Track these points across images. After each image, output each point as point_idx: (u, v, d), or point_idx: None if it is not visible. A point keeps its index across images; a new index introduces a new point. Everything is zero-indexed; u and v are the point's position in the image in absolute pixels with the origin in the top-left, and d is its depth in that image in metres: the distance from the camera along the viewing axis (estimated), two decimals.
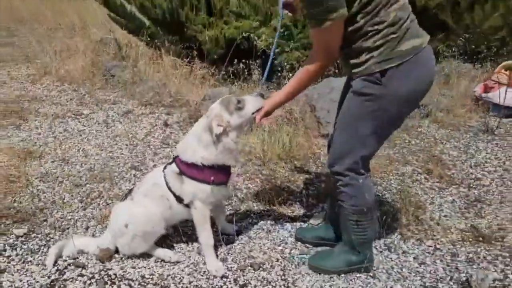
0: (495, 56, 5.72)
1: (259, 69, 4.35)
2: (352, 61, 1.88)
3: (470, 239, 2.49)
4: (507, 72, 4.44)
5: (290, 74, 4.19)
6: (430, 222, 2.65)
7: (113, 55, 5.46)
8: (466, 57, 5.83)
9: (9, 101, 4.50)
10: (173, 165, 2.16)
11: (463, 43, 5.78)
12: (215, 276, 2.15)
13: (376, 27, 1.78)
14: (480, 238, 2.49)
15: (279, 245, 2.41)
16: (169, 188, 2.16)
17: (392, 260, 2.31)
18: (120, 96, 4.71)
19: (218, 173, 2.10)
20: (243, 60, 4.37)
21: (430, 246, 2.43)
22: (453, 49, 5.65)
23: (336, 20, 1.74)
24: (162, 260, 2.25)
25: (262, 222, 2.62)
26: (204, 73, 4.90)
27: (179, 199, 2.16)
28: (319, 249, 2.38)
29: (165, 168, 2.22)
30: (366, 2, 1.75)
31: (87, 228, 2.55)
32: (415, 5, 4.91)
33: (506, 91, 4.13)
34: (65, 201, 2.81)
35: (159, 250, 2.28)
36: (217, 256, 2.25)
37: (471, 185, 3.10)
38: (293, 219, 2.66)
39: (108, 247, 2.25)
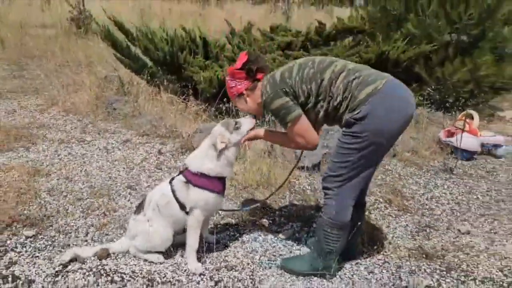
0: (464, 106, 6.32)
1: None
2: (336, 124, 2.49)
3: (416, 256, 2.92)
4: (467, 120, 5.01)
5: None
6: (383, 241, 3.08)
7: (116, 90, 5.99)
8: (436, 106, 6.45)
9: (19, 127, 4.97)
10: (180, 176, 2.60)
11: (434, 94, 6.42)
12: (194, 274, 2.56)
13: (336, 100, 2.34)
14: (424, 256, 2.93)
15: (251, 253, 2.83)
16: (175, 196, 2.58)
17: (345, 268, 2.73)
18: (120, 127, 5.20)
19: (217, 183, 2.57)
20: None
21: (380, 260, 2.86)
22: (425, 98, 6.27)
23: (295, 120, 2.39)
24: (151, 262, 2.66)
25: (238, 234, 3.05)
26: (198, 109, 5.41)
27: (182, 206, 2.58)
28: (285, 256, 2.80)
29: (172, 180, 2.64)
30: (316, 94, 2.38)
31: (87, 233, 2.96)
32: (388, 58, 5.56)
33: (461, 136, 4.68)
34: (68, 211, 3.23)
35: (149, 255, 2.69)
36: (197, 258, 2.65)
37: (424, 214, 3.56)
38: (265, 234, 3.08)
39: (107, 248, 2.68)
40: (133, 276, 2.51)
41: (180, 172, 2.63)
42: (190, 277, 2.53)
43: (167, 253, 2.74)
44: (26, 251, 2.71)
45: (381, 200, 3.75)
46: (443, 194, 3.97)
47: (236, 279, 2.54)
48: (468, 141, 4.86)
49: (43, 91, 6.49)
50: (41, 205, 3.27)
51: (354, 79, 2.32)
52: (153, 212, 2.62)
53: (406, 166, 4.63)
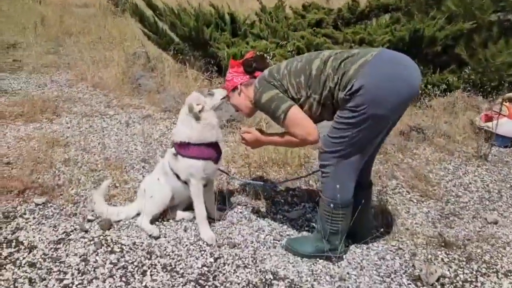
0: (506, 90, 5.88)
1: None
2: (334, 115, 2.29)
3: (434, 244, 2.72)
4: (507, 104, 4.63)
5: None
6: (400, 227, 2.89)
7: (142, 66, 6.00)
8: (476, 90, 6.03)
9: (47, 99, 5.06)
10: (172, 148, 2.64)
11: (475, 76, 5.99)
12: (208, 244, 2.55)
13: (328, 87, 2.21)
14: (443, 244, 2.72)
15: (256, 231, 2.73)
16: (170, 168, 2.64)
17: (355, 253, 2.58)
18: (144, 102, 5.20)
19: (205, 150, 2.55)
20: None
21: (394, 246, 2.68)
22: (464, 81, 5.87)
23: (287, 110, 2.27)
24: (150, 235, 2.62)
25: (246, 212, 2.95)
26: (221, 87, 5.33)
27: (177, 176, 2.61)
28: (292, 236, 2.69)
29: (163, 153, 2.71)
30: (307, 85, 2.26)
31: (95, 203, 2.95)
32: (423, 36, 5.21)
33: (498, 120, 4.33)
34: (80, 181, 3.24)
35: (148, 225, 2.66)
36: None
37: (449, 200, 3.32)
38: (274, 213, 2.97)
39: (110, 218, 2.67)
40: (132, 248, 2.48)
41: (173, 144, 2.68)
42: (189, 252, 2.47)
43: (171, 227, 2.70)
44: (34, 218, 2.74)
45: (403, 184, 3.53)
46: (473, 181, 3.69)
47: (237, 257, 2.46)
48: (507, 126, 4.50)
49: (75, 66, 6.60)
50: (55, 174, 3.31)
51: (342, 60, 2.20)
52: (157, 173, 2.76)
53: (436, 151, 4.35)
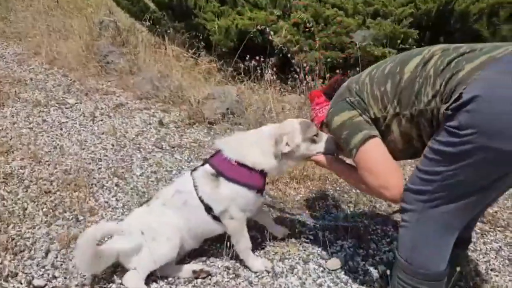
0: None
1: (273, 68, 3.79)
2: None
3: None
4: None
5: (309, 77, 3.67)
6: (476, 278, 2.12)
7: (111, 39, 4.90)
8: None
9: None
10: (206, 166, 1.95)
11: None
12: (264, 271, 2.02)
13: (424, 98, 1.41)
14: None
15: None
16: (198, 195, 1.92)
17: None
18: (114, 86, 4.18)
19: (259, 178, 1.93)
20: (256, 57, 3.82)
21: None
22: None
23: (360, 144, 1.55)
24: None
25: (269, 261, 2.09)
26: (210, 68, 4.36)
27: (208, 208, 1.91)
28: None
29: (193, 171, 2.00)
30: (396, 99, 1.49)
31: (47, 252, 2.02)
32: (452, 10, 4.37)
33: None
34: (27, 211, 2.29)
35: None
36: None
37: None
38: (304, 261, 2.13)
39: None
40: None
41: (205, 161, 2.00)
42: None
43: None
44: None
45: None
46: None
47: None
48: None
49: (26, 37, 5.42)
50: None
51: (455, 57, 1.35)
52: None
53: None
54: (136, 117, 3.58)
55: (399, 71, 1.49)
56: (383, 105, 1.52)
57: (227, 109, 3.53)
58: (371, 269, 2.09)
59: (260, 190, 1.95)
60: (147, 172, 2.79)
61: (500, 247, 2.38)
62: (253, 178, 1.90)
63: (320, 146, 1.92)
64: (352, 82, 1.67)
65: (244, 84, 4.01)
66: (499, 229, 2.55)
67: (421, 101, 1.40)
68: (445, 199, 1.40)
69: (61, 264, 1.97)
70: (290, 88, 3.99)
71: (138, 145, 3.13)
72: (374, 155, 1.53)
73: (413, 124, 1.47)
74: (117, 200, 2.47)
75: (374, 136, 1.54)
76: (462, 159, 1.30)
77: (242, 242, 1.99)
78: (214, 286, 1.92)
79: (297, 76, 3.81)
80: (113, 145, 3.09)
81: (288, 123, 1.97)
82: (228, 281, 1.95)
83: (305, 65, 3.68)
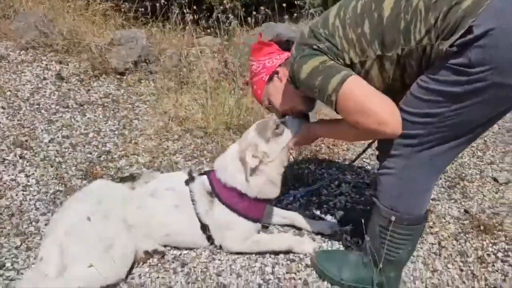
0: None
1: (188, 9, 3.35)
2: None
3: None
4: None
5: (223, 16, 3.36)
6: None
7: None
8: None
9: None
10: (204, 179, 1.75)
11: None
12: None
13: (416, 35, 1.26)
14: None
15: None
16: (196, 211, 1.71)
17: None
18: None
19: (257, 207, 1.74)
20: None
21: None
22: None
23: (341, 84, 1.34)
24: None
25: None
26: (107, 8, 3.77)
27: (203, 226, 1.72)
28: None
29: (190, 180, 1.76)
30: (380, 36, 1.31)
31: None
32: None
33: None
34: None
35: None
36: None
37: None
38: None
39: None
40: None
41: (205, 172, 1.81)
42: None
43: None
44: None
45: None
46: None
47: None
48: None
49: None
50: None
51: None
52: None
53: None
54: (26, 71, 2.96)
55: (375, 8, 1.32)
56: (360, 48, 1.35)
57: (139, 56, 3.09)
58: (328, 217, 2.04)
59: (256, 220, 1.76)
60: (57, 137, 2.34)
61: None
62: (250, 206, 1.71)
63: (287, 133, 1.71)
64: (316, 27, 1.43)
65: (152, 26, 3.55)
66: None
67: (410, 39, 1.26)
68: (439, 140, 1.32)
69: None
70: (204, 28, 3.63)
71: (37, 106, 2.60)
72: (359, 92, 1.34)
73: (397, 67, 1.33)
74: (27, 176, 2.03)
75: (352, 74, 1.37)
76: (469, 98, 1.21)
77: (274, 247, 1.76)
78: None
79: (211, 16, 3.47)
80: (3, 108, 2.52)
81: (244, 136, 1.75)
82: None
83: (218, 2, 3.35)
